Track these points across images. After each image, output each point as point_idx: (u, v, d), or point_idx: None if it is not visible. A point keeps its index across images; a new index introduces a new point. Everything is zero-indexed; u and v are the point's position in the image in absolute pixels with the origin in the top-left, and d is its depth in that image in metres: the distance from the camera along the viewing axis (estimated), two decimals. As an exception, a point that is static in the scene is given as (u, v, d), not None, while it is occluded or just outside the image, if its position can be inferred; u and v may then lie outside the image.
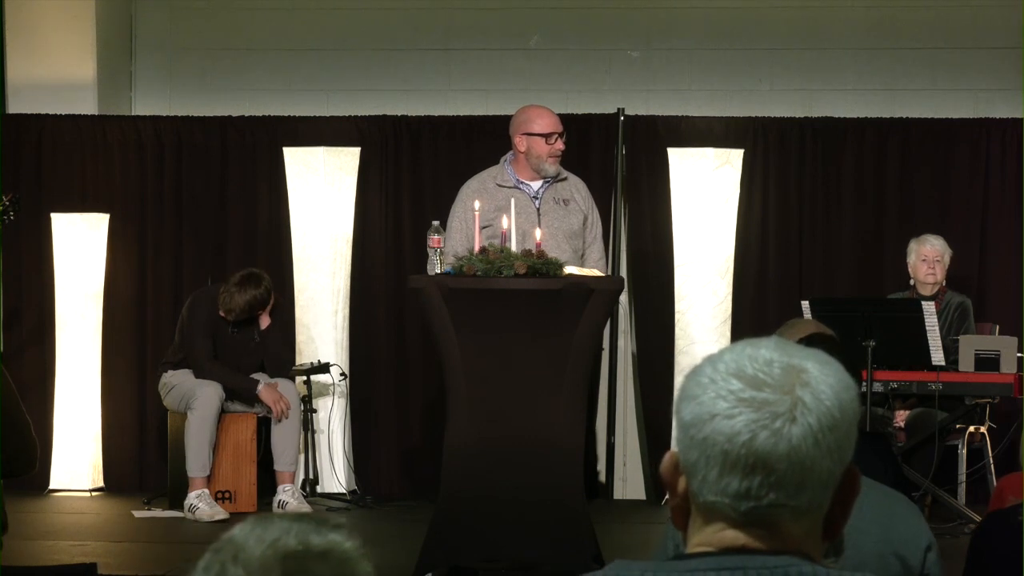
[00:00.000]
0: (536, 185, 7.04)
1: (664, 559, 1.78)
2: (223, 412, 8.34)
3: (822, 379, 1.68)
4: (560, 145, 7.04)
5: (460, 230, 7.01)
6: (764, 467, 1.65)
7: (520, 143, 7.04)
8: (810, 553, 1.70)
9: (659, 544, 3.09)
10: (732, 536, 1.69)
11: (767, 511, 1.67)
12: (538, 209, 6.99)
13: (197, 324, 8.36)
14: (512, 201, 6.63)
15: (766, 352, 1.70)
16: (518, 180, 7.03)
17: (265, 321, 8.38)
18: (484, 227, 6.88)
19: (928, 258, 8.31)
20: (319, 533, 1.63)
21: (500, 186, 7.02)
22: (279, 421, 8.22)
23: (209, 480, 8.22)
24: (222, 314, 8.29)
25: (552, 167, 7.04)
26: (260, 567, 1.59)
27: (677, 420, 1.72)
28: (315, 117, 9.21)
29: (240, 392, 8.36)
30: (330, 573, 1.61)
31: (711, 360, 1.71)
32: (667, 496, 1.78)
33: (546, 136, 7.01)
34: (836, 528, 1.73)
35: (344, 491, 8.81)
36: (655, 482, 8.87)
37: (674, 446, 1.75)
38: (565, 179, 7.13)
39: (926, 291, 8.27)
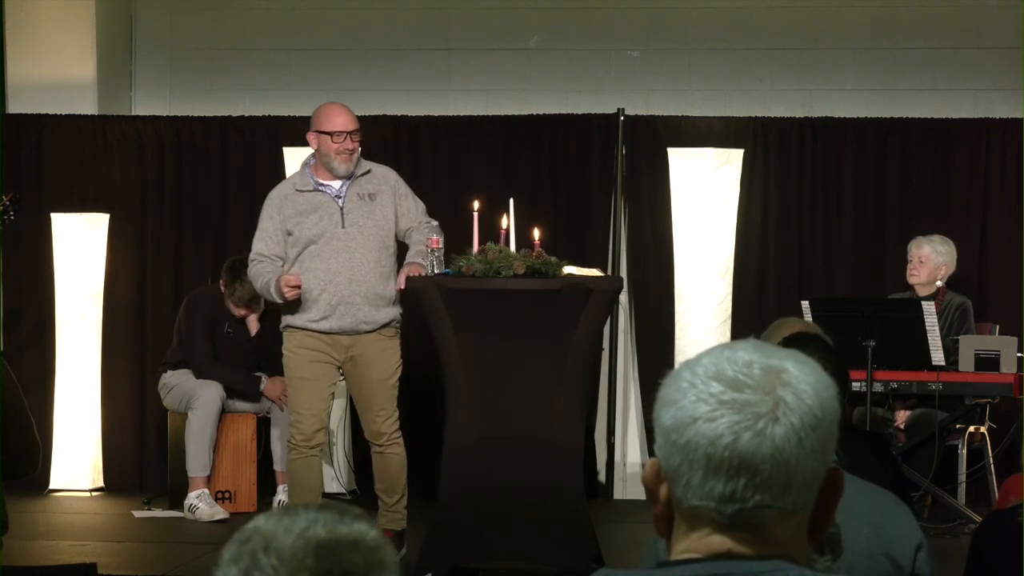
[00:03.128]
0: (337, 184, 6.85)
1: (654, 561, 1.77)
2: (225, 411, 8.35)
3: (802, 378, 1.68)
4: (349, 144, 6.82)
5: (265, 230, 6.87)
6: (749, 469, 1.64)
7: (312, 140, 6.91)
8: (795, 556, 1.69)
9: (648, 550, 3.08)
10: (718, 541, 1.68)
11: (753, 513, 1.66)
12: (342, 208, 6.83)
13: (195, 324, 8.38)
14: (511, 202, 6.61)
15: (744, 354, 1.69)
16: (317, 182, 6.86)
17: (254, 324, 8.40)
18: (289, 233, 6.81)
19: (913, 258, 8.31)
20: (345, 522, 1.64)
21: (299, 191, 6.86)
22: (284, 411, 8.27)
23: (209, 480, 8.23)
24: (243, 312, 8.31)
25: (341, 166, 6.83)
26: (292, 556, 1.60)
27: (657, 426, 1.70)
28: (315, 117, 9.20)
29: (242, 390, 8.37)
30: (362, 561, 1.62)
31: (689, 364, 1.70)
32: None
33: (331, 134, 6.82)
34: (820, 529, 1.73)
35: (344, 491, 8.81)
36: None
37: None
38: (368, 172, 6.93)
39: (922, 291, 8.26)
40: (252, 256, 6.90)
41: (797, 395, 1.66)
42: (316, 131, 6.88)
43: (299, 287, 6.72)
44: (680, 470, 1.67)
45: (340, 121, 6.85)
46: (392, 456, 6.88)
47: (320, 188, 6.85)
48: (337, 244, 6.79)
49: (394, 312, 6.90)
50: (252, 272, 6.91)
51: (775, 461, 1.64)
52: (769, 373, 1.67)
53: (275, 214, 6.87)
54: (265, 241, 6.88)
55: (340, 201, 6.83)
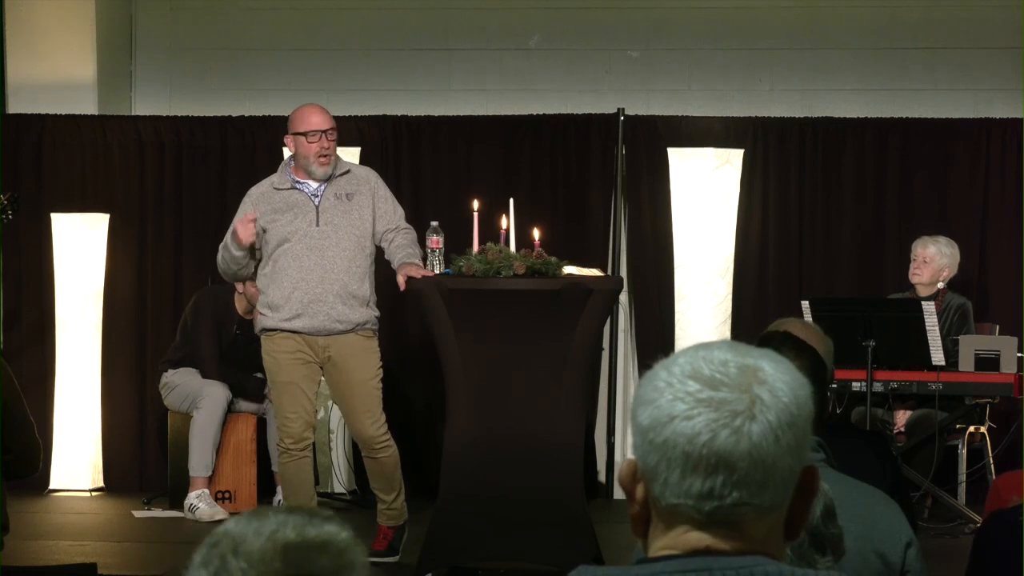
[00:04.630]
0: (315, 184, 6.81)
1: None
2: (229, 411, 8.35)
3: (778, 376, 1.69)
4: (325, 143, 6.77)
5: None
6: (726, 466, 1.65)
7: (289, 143, 6.88)
8: (773, 553, 1.70)
9: (638, 547, 3.08)
10: (696, 538, 1.69)
11: (731, 510, 1.67)
12: (317, 207, 6.78)
13: (202, 323, 8.37)
14: (511, 202, 6.61)
15: (720, 353, 1.70)
16: (295, 181, 6.82)
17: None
18: (263, 230, 6.77)
19: (917, 258, 8.31)
20: (314, 525, 1.65)
21: (277, 189, 6.83)
22: None
23: (210, 480, 8.23)
24: (249, 312, 8.32)
25: (319, 168, 6.78)
26: (260, 559, 1.61)
27: (634, 426, 1.71)
28: (315, 117, 9.20)
29: (248, 390, 8.37)
30: (330, 563, 1.63)
31: (665, 364, 1.71)
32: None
33: (306, 134, 6.78)
34: (796, 527, 1.74)
35: (344, 491, 8.82)
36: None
37: (630, 453, 1.75)
38: (347, 172, 6.89)
39: (923, 291, 8.26)
40: (222, 244, 6.87)
41: (773, 393, 1.68)
42: (292, 133, 6.86)
43: (254, 220, 6.66)
44: (658, 469, 1.68)
45: (315, 120, 6.81)
46: (385, 459, 6.85)
47: (297, 186, 6.83)
48: (310, 242, 6.75)
49: (370, 314, 6.85)
50: (219, 255, 6.86)
51: (752, 458, 1.65)
52: (745, 371, 1.68)
53: (250, 209, 6.84)
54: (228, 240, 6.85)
55: (316, 200, 6.80)
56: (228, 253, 6.80)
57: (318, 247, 6.75)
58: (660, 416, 1.67)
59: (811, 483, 1.72)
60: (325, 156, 6.79)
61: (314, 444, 7.72)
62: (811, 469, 1.72)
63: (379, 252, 6.95)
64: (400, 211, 6.96)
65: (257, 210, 6.83)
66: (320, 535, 1.64)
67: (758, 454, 1.65)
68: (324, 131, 6.79)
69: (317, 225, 6.76)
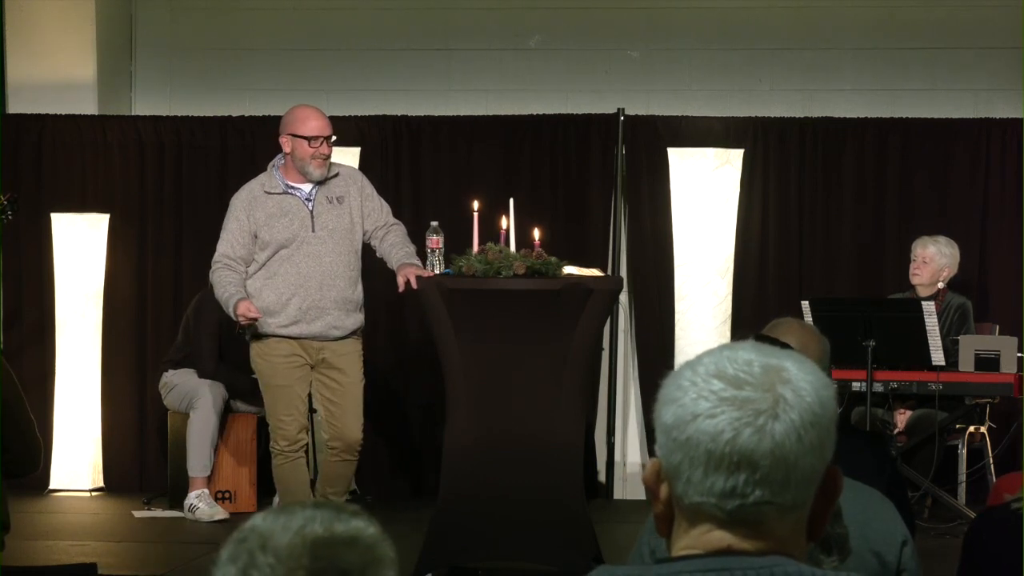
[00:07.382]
0: (307, 187, 6.78)
1: (639, 564, 1.78)
2: (228, 412, 8.35)
3: (801, 376, 1.70)
4: (325, 149, 6.75)
5: (232, 232, 6.78)
6: (749, 464, 1.66)
7: (285, 144, 6.81)
8: (794, 553, 1.71)
9: (634, 549, 3.07)
10: (718, 537, 1.70)
11: (753, 509, 1.68)
12: (311, 211, 6.77)
13: (204, 324, 8.36)
14: (511, 202, 6.61)
15: (744, 353, 1.71)
16: (287, 185, 6.78)
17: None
18: (255, 236, 6.74)
19: (916, 258, 8.31)
20: (342, 520, 1.66)
21: (269, 193, 6.78)
22: None
23: (209, 480, 8.23)
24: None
25: (317, 170, 6.75)
26: (289, 555, 1.62)
27: (658, 425, 1.72)
28: (315, 117, 9.20)
29: (245, 392, 8.36)
30: (358, 559, 1.63)
31: (689, 364, 1.72)
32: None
33: (309, 139, 6.73)
34: (819, 528, 1.75)
35: (344, 491, 8.81)
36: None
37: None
38: (336, 175, 6.86)
39: (923, 291, 8.26)
40: (217, 258, 6.81)
41: (797, 392, 1.68)
42: (290, 134, 6.80)
43: (255, 320, 6.67)
44: (681, 467, 1.69)
45: (316, 125, 6.79)
46: (354, 462, 6.87)
47: (290, 191, 6.80)
48: (308, 248, 6.75)
49: (361, 318, 6.90)
50: (215, 277, 6.80)
51: (775, 457, 1.66)
52: (769, 371, 1.69)
53: (243, 216, 6.80)
54: (231, 243, 6.79)
55: (310, 204, 6.79)
56: (225, 306, 6.81)
57: (316, 253, 6.75)
58: (684, 414, 1.68)
59: (834, 483, 1.74)
60: (322, 159, 6.78)
61: (314, 444, 7.72)
62: (834, 469, 1.73)
63: (369, 250, 6.95)
64: (387, 207, 6.96)
65: (250, 217, 6.78)
66: (348, 530, 1.65)
67: (780, 453, 1.66)
68: (325, 137, 6.79)
69: (313, 231, 6.75)
